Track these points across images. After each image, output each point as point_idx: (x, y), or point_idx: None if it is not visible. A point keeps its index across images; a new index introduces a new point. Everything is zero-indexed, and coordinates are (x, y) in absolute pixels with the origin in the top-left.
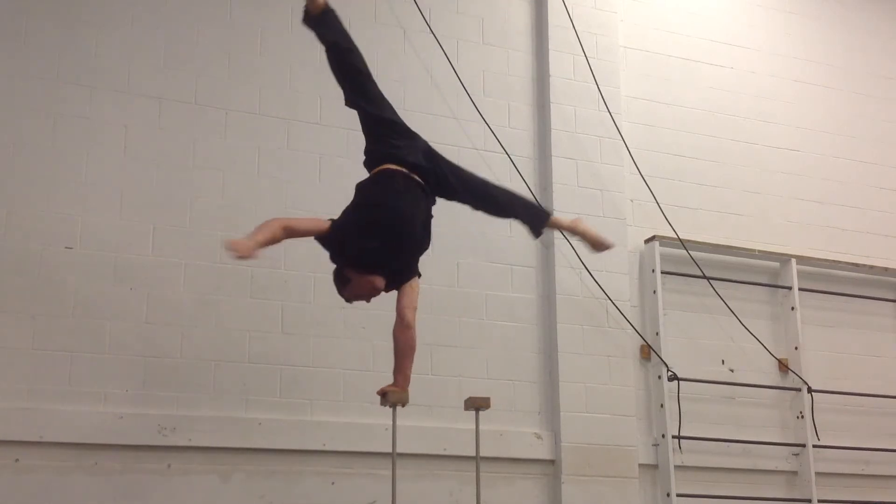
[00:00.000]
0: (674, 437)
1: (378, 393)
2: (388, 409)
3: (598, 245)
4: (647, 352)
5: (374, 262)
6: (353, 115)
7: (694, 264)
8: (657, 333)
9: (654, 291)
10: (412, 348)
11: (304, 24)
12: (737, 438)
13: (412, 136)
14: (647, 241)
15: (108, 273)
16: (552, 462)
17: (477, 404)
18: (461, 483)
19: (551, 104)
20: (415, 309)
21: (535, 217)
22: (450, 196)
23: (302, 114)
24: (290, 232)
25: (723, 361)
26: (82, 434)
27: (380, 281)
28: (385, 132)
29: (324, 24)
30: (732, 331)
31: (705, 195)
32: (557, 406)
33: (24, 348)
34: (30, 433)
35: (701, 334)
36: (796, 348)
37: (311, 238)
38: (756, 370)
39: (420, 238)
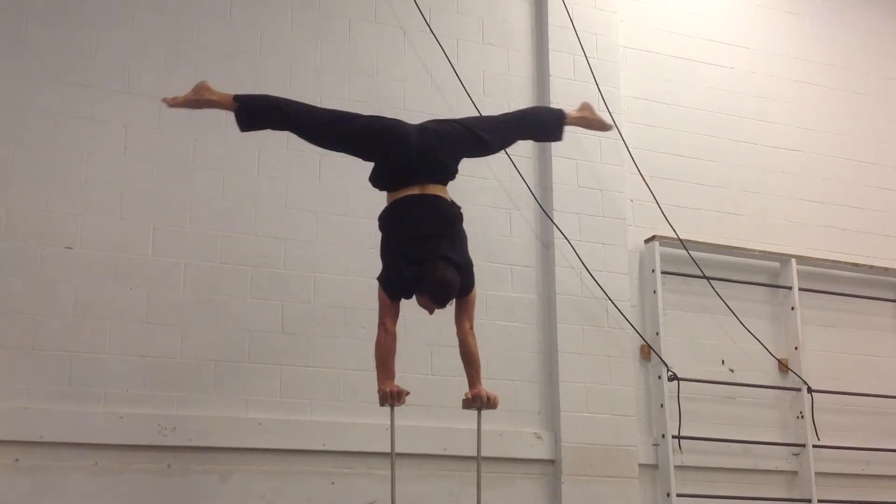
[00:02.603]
0: (674, 437)
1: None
2: (388, 410)
3: (601, 128)
4: (647, 352)
5: None
6: None
7: (694, 264)
8: (657, 333)
9: (654, 291)
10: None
11: (244, 130)
12: (737, 438)
13: None
14: (647, 241)
15: (108, 273)
16: (552, 462)
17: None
18: (461, 483)
19: (551, 104)
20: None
21: (550, 132)
22: None
23: None
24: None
25: (723, 361)
26: (82, 434)
27: None
28: None
29: (258, 118)
30: (732, 331)
31: (705, 195)
32: (557, 406)
33: (24, 348)
34: (30, 433)
35: (701, 334)
36: (796, 348)
37: (311, 239)
38: (756, 370)
39: None
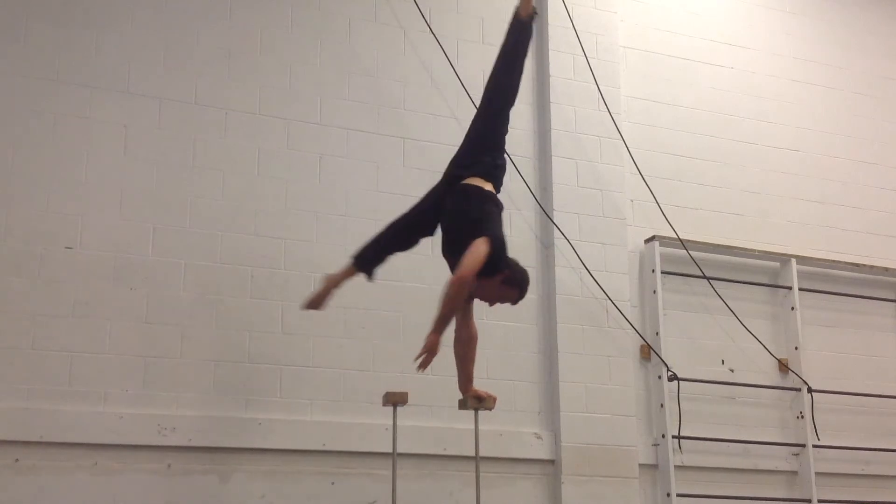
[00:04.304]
0: (674, 437)
1: None
2: (389, 409)
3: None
4: (647, 352)
5: None
6: (353, 114)
7: (694, 264)
8: (657, 333)
9: (654, 291)
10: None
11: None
12: (737, 438)
13: None
14: (647, 241)
15: (108, 273)
16: (552, 462)
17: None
18: (461, 483)
19: (551, 104)
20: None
21: None
22: None
23: (302, 114)
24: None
25: (723, 361)
26: (82, 434)
27: None
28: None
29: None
30: (732, 331)
31: (705, 195)
32: (557, 406)
33: (24, 348)
34: (30, 433)
35: (701, 334)
36: (796, 348)
37: (311, 239)
38: (756, 370)
39: None
